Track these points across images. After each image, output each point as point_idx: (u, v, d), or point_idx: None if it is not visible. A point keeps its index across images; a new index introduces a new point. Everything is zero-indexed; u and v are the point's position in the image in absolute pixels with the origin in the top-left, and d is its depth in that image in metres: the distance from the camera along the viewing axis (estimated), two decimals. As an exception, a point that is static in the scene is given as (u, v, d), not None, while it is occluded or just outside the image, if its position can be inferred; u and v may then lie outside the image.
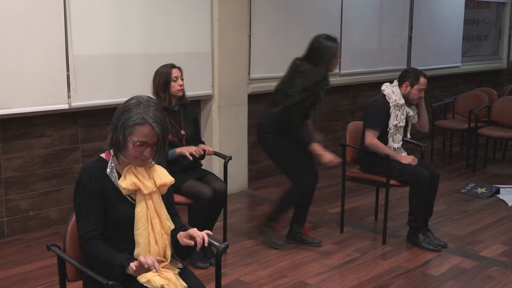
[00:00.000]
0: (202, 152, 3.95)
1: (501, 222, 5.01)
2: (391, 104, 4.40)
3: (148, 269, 2.18)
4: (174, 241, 2.41)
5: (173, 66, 4.00)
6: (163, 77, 3.94)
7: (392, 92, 4.43)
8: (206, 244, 2.30)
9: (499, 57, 9.77)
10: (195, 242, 2.31)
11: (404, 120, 4.43)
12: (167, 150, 2.45)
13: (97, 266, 2.29)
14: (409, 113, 4.46)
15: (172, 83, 3.95)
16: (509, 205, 5.47)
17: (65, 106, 4.47)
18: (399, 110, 4.40)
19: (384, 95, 4.43)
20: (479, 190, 5.84)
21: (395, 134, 4.43)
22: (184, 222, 2.58)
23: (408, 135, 4.60)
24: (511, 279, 3.89)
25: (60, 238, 2.61)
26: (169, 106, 3.94)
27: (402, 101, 4.40)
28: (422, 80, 4.39)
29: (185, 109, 4.09)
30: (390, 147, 4.42)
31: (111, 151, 2.35)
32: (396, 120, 4.40)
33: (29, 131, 4.47)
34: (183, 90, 4.01)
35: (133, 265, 2.19)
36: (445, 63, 8.43)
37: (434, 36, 8.11)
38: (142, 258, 2.16)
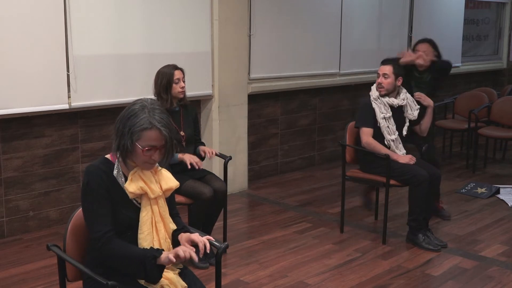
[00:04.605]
0: (201, 165, 3.95)
1: (501, 222, 5.01)
2: (372, 100, 4.44)
3: (180, 259, 2.23)
4: (175, 243, 2.41)
5: (176, 67, 3.99)
6: (166, 78, 3.93)
7: (372, 88, 4.52)
8: (208, 251, 2.29)
9: (499, 57, 9.77)
10: (196, 247, 2.31)
11: (390, 110, 4.44)
12: (175, 152, 2.44)
13: (122, 263, 2.27)
14: (393, 102, 4.45)
15: (174, 85, 3.94)
16: (509, 205, 5.47)
17: (65, 106, 4.47)
18: (380, 103, 4.43)
19: (370, 94, 4.51)
20: (479, 190, 5.84)
21: (387, 126, 4.43)
22: (184, 222, 2.58)
23: (404, 132, 4.58)
24: (511, 279, 3.89)
25: (60, 238, 2.60)
26: (170, 107, 3.93)
27: (376, 94, 4.45)
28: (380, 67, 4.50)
29: (185, 109, 4.09)
30: (388, 141, 4.43)
31: (118, 155, 2.33)
32: (382, 112, 4.42)
33: (29, 131, 4.47)
34: (184, 92, 4.00)
35: (171, 257, 2.20)
36: (445, 63, 8.41)
37: (434, 36, 7.98)
38: (181, 253, 2.20)
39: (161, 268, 2.25)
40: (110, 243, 2.25)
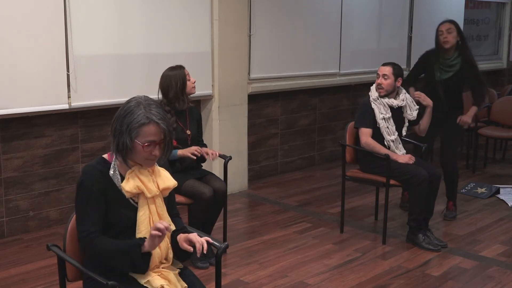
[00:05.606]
0: (201, 152, 3.96)
1: (501, 222, 5.01)
2: (371, 101, 4.44)
3: (163, 237, 2.20)
4: (173, 243, 2.40)
5: (181, 66, 4.00)
6: (181, 79, 3.92)
7: (372, 89, 4.51)
8: (205, 252, 2.28)
9: (499, 57, 9.76)
10: (194, 248, 2.30)
11: (389, 111, 4.44)
12: (172, 147, 2.44)
13: (108, 258, 2.27)
14: (392, 103, 4.45)
15: (188, 82, 3.96)
16: (509, 205, 5.47)
17: (65, 106, 4.47)
18: (380, 103, 4.43)
19: (369, 95, 4.50)
20: (479, 190, 5.84)
21: (387, 126, 4.44)
22: (184, 222, 2.58)
23: (403, 133, 4.59)
24: (511, 279, 3.89)
25: (60, 238, 2.60)
26: (187, 106, 3.96)
27: (376, 94, 4.44)
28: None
29: (190, 109, 4.09)
30: (387, 141, 4.43)
31: (118, 156, 2.31)
32: (381, 113, 4.42)
33: (29, 131, 4.47)
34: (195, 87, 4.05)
35: (153, 232, 2.17)
36: (445, 63, 8.41)
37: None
38: (159, 225, 2.16)
39: (147, 257, 2.25)
40: (92, 242, 2.25)
